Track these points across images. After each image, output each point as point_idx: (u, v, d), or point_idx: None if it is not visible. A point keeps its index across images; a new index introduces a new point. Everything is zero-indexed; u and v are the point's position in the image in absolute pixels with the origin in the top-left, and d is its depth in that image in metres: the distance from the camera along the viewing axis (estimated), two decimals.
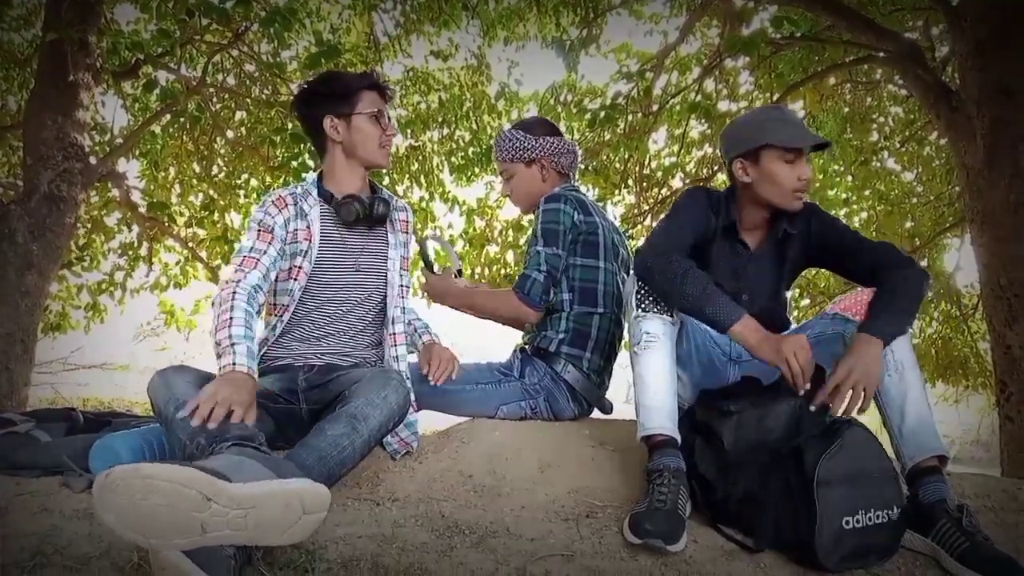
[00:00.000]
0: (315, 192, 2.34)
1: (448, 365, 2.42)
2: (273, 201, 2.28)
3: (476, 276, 7.72)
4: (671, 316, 2.11)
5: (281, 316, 2.29)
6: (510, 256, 7.67)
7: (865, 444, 1.85)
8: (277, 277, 2.27)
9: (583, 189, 2.83)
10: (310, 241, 2.27)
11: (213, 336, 2.00)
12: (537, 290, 2.58)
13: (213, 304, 2.11)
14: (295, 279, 2.27)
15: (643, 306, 2.11)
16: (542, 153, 2.76)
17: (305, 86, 2.41)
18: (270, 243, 2.21)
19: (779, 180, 2.20)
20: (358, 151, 2.33)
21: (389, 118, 2.39)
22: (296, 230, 2.27)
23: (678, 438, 2.03)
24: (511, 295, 2.61)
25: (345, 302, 2.34)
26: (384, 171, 5.66)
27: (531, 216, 2.79)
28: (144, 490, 1.38)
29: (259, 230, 2.22)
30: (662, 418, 2.03)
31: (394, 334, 2.37)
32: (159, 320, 8.43)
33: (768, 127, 2.21)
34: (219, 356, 1.95)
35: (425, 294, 2.82)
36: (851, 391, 1.89)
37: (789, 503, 1.81)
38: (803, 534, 1.77)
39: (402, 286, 2.42)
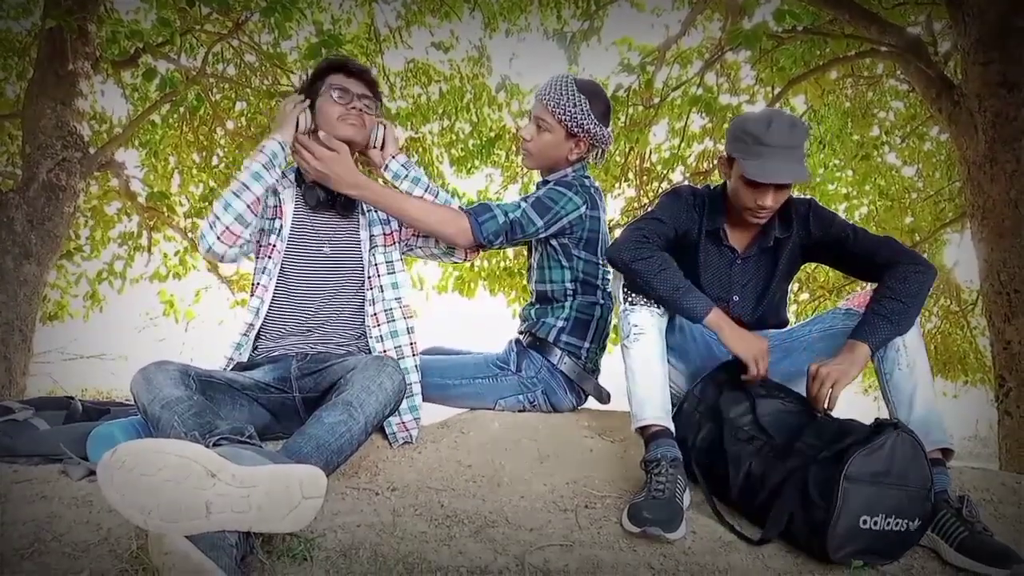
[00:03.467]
0: (292, 175, 2.43)
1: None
2: None
3: (476, 269, 7.72)
4: (658, 307, 2.14)
5: (262, 298, 2.31)
6: (510, 249, 7.66)
7: (907, 452, 1.79)
8: (256, 255, 2.36)
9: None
10: (281, 220, 2.34)
11: (222, 198, 2.22)
12: (491, 227, 2.40)
13: (200, 236, 2.26)
14: (269, 257, 2.33)
15: (630, 299, 2.14)
16: (591, 139, 2.56)
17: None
18: None
19: (739, 195, 2.23)
20: (325, 130, 2.33)
21: (367, 100, 2.38)
22: (271, 206, 2.36)
23: (672, 428, 2.04)
24: (458, 214, 2.41)
25: (325, 286, 2.36)
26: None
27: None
28: (152, 464, 1.41)
29: None
30: (655, 409, 2.05)
31: (375, 314, 2.37)
32: (157, 310, 8.42)
33: (748, 144, 2.15)
34: (257, 166, 2.23)
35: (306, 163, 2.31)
36: (823, 387, 1.97)
37: (808, 493, 1.79)
38: (817, 524, 1.75)
39: (386, 262, 2.42)
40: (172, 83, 5.44)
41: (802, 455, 1.87)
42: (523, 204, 2.45)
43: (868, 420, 1.92)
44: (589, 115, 2.50)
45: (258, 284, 2.33)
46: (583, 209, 2.50)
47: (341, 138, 2.32)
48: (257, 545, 1.55)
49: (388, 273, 2.42)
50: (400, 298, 2.41)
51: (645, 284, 2.11)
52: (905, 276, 2.09)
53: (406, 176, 2.43)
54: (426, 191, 2.43)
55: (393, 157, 2.43)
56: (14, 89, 6.80)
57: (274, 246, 2.33)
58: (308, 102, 2.34)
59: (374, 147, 2.42)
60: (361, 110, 2.35)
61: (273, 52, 6.07)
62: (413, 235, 2.51)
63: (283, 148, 2.27)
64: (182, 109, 6.32)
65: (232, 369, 2.29)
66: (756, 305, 2.37)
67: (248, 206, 2.20)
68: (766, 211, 2.21)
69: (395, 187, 2.43)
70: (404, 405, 2.27)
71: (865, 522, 1.74)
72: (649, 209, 2.43)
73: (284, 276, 2.33)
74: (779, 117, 2.16)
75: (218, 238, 2.19)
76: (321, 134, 2.30)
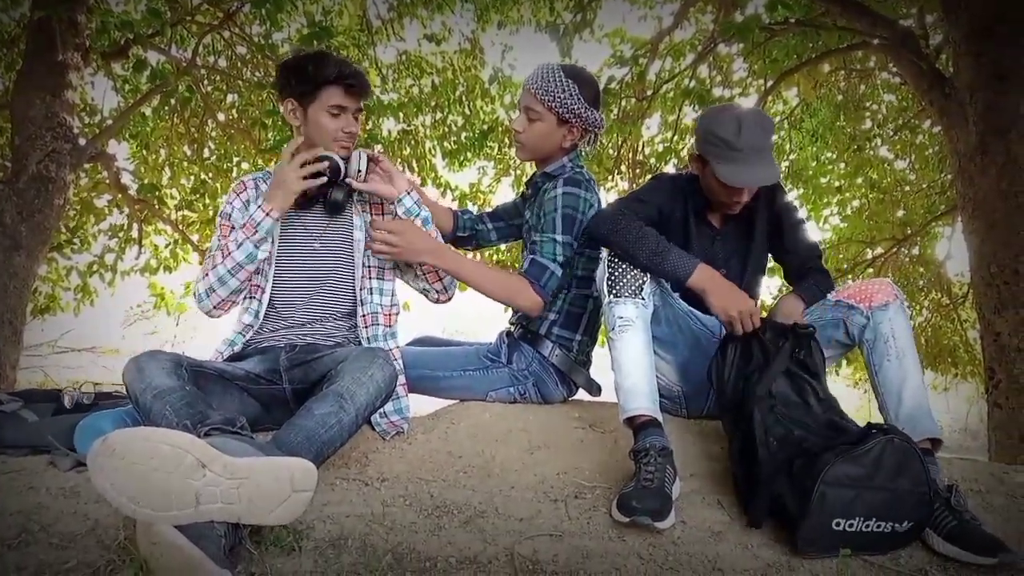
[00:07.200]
0: None
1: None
2: (233, 187, 2.40)
3: None
4: (643, 299, 2.15)
5: (260, 298, 2.31)
6: (503, 244, 7.64)
7: (898, 457, 1.78)
8: None
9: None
10: None
11: (216, 271, 2.22)
12: (553, 283, 2.42)
13: (196, 295, 2.30)
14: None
15: (614, 291, 2.16)
16: (583, 124, 2.51)
17: (281, 64, 2.38)
18: (230, 235, 2.29)
19: (714, 192, 2.32)
20: (314, 142, 2.30)
21: (360, 111, 2.32)
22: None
23: (660, 418, 2.05)
24: (522, 283, 2.40)
25: (314, 284, 2.34)
26: None
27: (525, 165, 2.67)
28: (142, 453, 1.40)
29: (220, 224, 2.35)
30: (643, 399, 2.05)
31: (365, 315, 2.36)
32: (149, 303, 8.39)
33: (720, 149, 2.19)
34: (247, 239, 2.21)
35: (377, 241, 2.28)
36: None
37: (789, 490, 1.81)
38: (788, 519, 1.79)
39: (378, 267, 2.40)
40: (163, 74, 5.41)
41: (793, 445, 1.88)
42: (558, 237, 2.42)
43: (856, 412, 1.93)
44: (579, 99, 2.47)
45: (257, 286, 2.32)
46: (595, 206, 2.49)
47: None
48: (245, 535, 1.55)
49: (377, 278, 2.40)
50: (384, 304, 2.40)
51: (626, 254, 2.17)
52: (823, 279, 2.37)
53: (418, 214, 2.35)
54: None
55: (408, 192, 2.34)
56: (3, 80, 6.75)
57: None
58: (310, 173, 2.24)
59: (356, 176, 2.30)
60: (352, 132, 2.30)
61: (264, 43, 6.02)
62: None
63: (277, 223, 2.26)
64: (173, 101, 6.28)
65: (223, 360, 2.28)
66: (742, 276, 2.42)
67: (242, 282, 2.25)
68: (741, 204, 2.32)
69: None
70: (390, 407, 2.27)
71: (839, 524, 1.74)
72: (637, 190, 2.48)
73: (276, 272, 2.32)
74: (747, 119, 2.19)
75: (215, 307, 2.28)
76: (388, 220, 2.31)
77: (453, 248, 2.43)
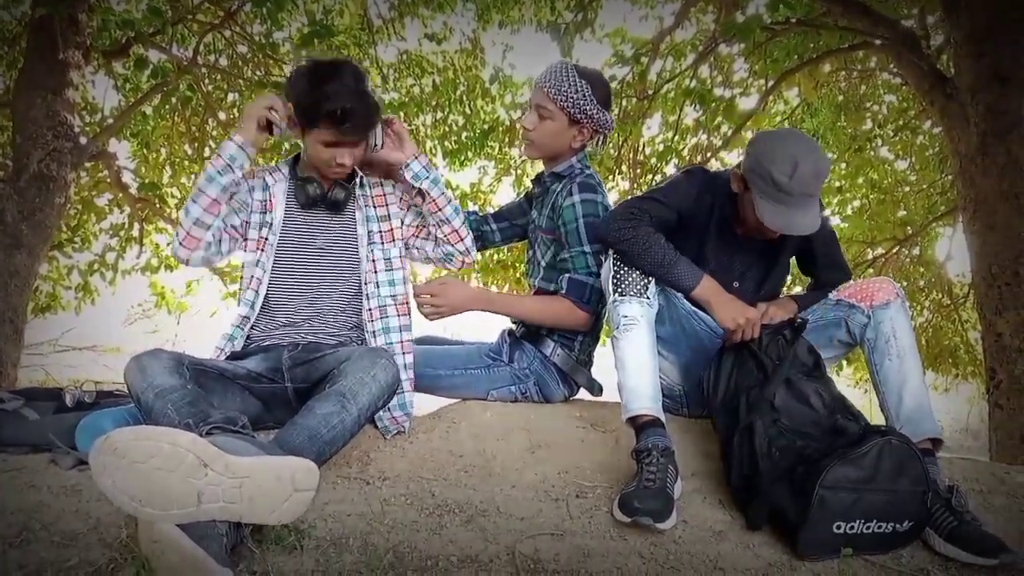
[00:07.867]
0: (286, 169, 2.40)
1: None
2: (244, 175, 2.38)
3: None
4: (648, 298, 2.15)
5: (257, 290, 2.31)
6: (504, 245, 7.63)
7: (897, 458, 1.79)
8: (247, 248, 2.34)
9: None
10: (272, 212, 2.33)
11: (186, 207, 2.21)
12: (595, 296, 2.44)
13: (171, 247, 2.29)
14: (261, 250, 2.32)
15: (620, 290, 2.15)
16: (594, 125, 2.50)
17: (296, 69, 2.32)
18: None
19: (748, 217, 2.22)
20: (310, 160, 2.32)
21: (359, 142, 2.27)
22: (261, 200, 2.34)
23: (663, 418, 2.05)
24: (565, 304, 2.44)
25: (318, 281, 2.35)
26: None
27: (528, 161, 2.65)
28: (144, 452, 1.41)
29: None
30: (646, 399, 2.05)
31: (371, 309, 2.36)
32: (150, 302, 8.40)
33: (769, 187, 2.05)
34: (212, 170, 2.18)
35: (428, 303, 2.43)
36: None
37: (789, 496, 1.81)
38: (788, 526, 1.79)
39: (385, 259, 2.39)
40: (163, 73, 5.41)
41: (795, 454, 1.87)
42: (586, 248, 2.44)
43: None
44: (591, 100, 2.46)
45: (252, 277, 2.33)
46: (609, 207, 2.48)
47: (326, 177, 2.32)
48: (247, 534, 1.55)
49: (385, 270, 2.39)
50: (396, 295, 2.39)
51: (631, 261, 2.16)
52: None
53: (427, 177, 2.34)
54: (442, 195, 2.37)
55: (415, 158, 2.33)
56: (4, 79, 6.74)
57: (266, 239, 2.32)
58: (278, 106, 2.23)
59: (374, 149, 2.32)
60: (344, 164, 2.26)
61: (265, 42, 6.02)
62: (413, 235, 2.47)
63: (243, 150, 2.19)
64: (174, 100, 6.28)
65: (224, 359, 2.28)
66: (756, 292, 2.37)
67: (204, 209, 2.17)
68: (771, 238, 2.25)
69: (417, 188, 2.35)
70: (394, 402, 2.27)
71: (839, 527, 1.74)
72: (662, 185, 2.39)
73: (277, 268, 2.32)
74: (805, 162, 2.03)
75: (181, 243, 2.20)
76: (425, 284, 2.43)
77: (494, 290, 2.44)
